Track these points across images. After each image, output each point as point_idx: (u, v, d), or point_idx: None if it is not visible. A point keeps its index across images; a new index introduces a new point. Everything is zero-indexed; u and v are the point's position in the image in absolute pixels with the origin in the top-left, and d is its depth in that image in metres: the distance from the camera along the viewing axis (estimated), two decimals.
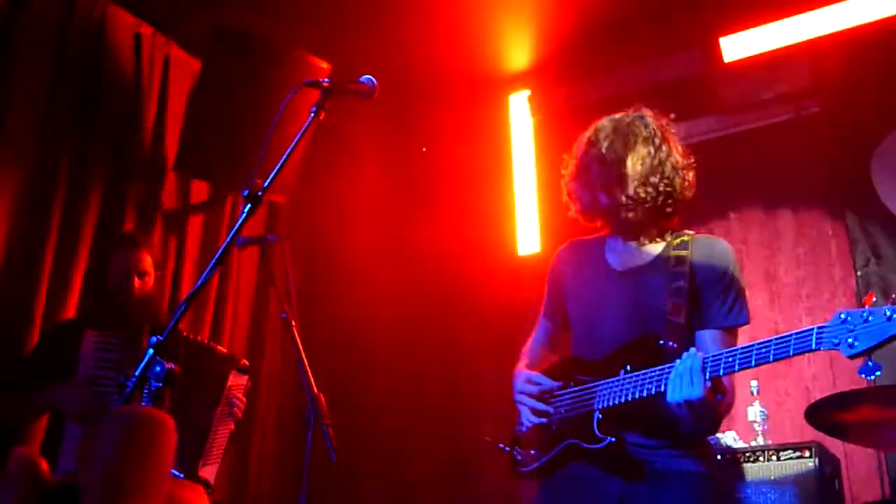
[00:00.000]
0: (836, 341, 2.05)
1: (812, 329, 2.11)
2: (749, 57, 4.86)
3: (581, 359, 2.69)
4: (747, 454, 4.18)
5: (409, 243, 5.91)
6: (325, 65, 4.46)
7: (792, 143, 5.27)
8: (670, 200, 2.61)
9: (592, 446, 2.49)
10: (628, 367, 2.47)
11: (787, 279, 5.16)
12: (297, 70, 4.42)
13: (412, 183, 6.00)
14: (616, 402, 2.46)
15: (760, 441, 4.46)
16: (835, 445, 4.19)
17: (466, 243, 5.93)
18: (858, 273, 4.86)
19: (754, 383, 4.62)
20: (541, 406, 2.69)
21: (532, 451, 2.69)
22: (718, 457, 4.21)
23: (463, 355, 5.69)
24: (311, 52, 4.50)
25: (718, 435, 4.43)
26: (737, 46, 4.89)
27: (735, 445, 4.39)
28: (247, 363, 3.88)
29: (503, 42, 5.24)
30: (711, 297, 2.56)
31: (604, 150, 2.64)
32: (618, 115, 2.76)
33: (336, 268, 5.88)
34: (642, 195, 2.59)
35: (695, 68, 4.92)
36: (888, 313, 1.99)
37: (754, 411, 4.54)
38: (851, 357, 2.03)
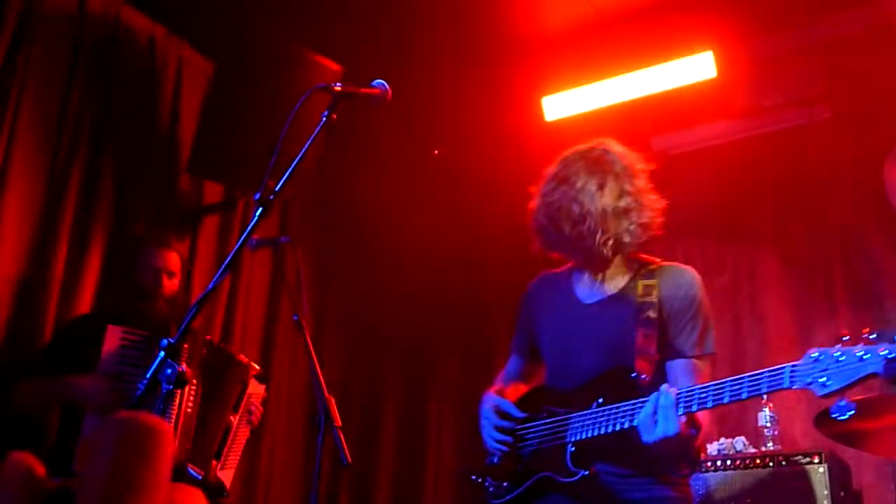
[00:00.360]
0: (808, 380, 2.03)
1: (785, 368, 2.10)
2: (760, 61, 4.85)
3: (553, 389, 2.70)
4: (757, 459, 4.18)
5: (429, 244, 5.92)
6: (337, 67, 4.47)
7: (804, 148, 5.27)
8: (639, 234, 2.61)
9: (566, 480, 2.47)
10: (601, 400, 2.46)
11: (799, 284, 5.15)
12: (310, 72, 4.43)
13: (432, 182, 5.99)
14: (589, 436, 2.45)
15: (770, 446, 4.45)
16: (845, 452, 4.18)
17: (487, 243, 5.94)
18: None
19: None
20: (499, 436, 2.69)
21: (505, 484, 2.67)
22: (718, 463, 4.21)
23: (483, 359, 5.69)
24: (327, 54, 4.52)
25: (729, 440, 4.43)
26: (747, 51, 4.89)
27: (745, 451, 4.39)
28: (261, 371, 3.91)
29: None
30: (680, 327, 2.56)
31: (574, 186, 2.64)
32: (584, 148, 2.76)
33: (352, 268, 5.88)
34: (611, 231, 2.60)
35: (706, 72, 4.90)
36: (860, 354, 1.96)
37: (764, 416, 4.53)
38: (824, 397, 2.01)
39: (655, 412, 2.24)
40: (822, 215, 5.19)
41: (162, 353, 2.10)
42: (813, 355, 2.04)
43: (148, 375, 2.06)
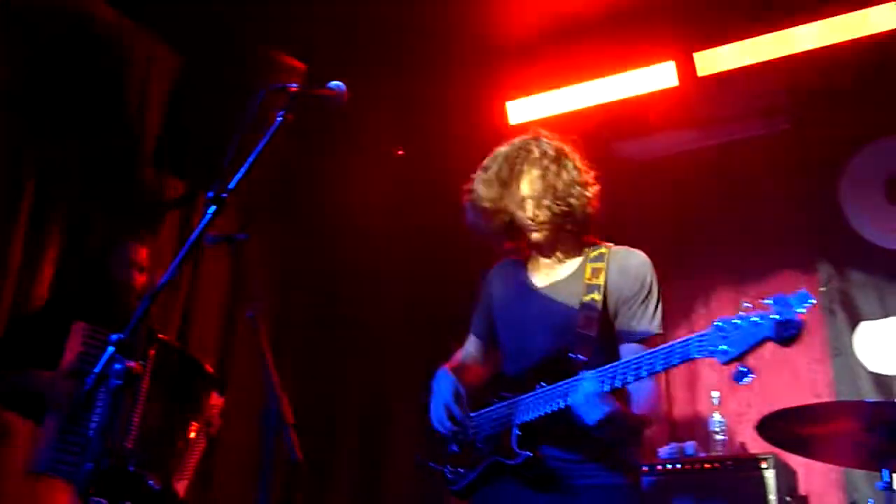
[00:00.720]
0: (711, 349, 2.09)
1: (691, 338, 2.17)
2: (722, 72, 4.90)
3: (507, 375, 2.75)
4: (706, 463, 4.24)
5: (392, 243, 5.92)
6: (301, 66, 4.47)
7: (762, 158, 5.36)
8: (569, 217, 2.66)
9: (511, 462, 2.52)
10: (543, 383, 2.51)
11: (753, 292, 5.22)
12: (276, 71, 4.44)
13: (396, 183, 5.99)
14: (531, 418, 2.50)
15: (720, 451, 4.52)
16: (795, 458, 4.25)
17: (449, 243, 5.93)
18: (822, 289, 4.93)
19: (716, 394, 4.69)
20: (450, 424, 2.68)
21: (461, 470, 2.72)
22: (668, 466, 4.26)
23: (446, 358, 5.68)
24: (293, 53, 4.51)
25: (679, 444, 4.50)
26: (711, 61, 4.94)
27: (695, 455, 4.45)
28: (220, 379, 3.86)
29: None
30: (631, 311, 2.60)
31: (494, 176, 2.71)
32: (515, 140, 2.81)
33: (315, 267, 5.86)
34: (539, 215, 2.65)
35: (668, 81, 4.95)
36: (756, 319, 2.02)
37: (714, 422, 4.60)
38: (725, 363, 2.07)
39: (586, 398, 2.31)
40: (782, 223, 5.26)
41: (111, 349, 2.08)
42: (716, 324, 2.10)
43: (96, 370, 2.05)
